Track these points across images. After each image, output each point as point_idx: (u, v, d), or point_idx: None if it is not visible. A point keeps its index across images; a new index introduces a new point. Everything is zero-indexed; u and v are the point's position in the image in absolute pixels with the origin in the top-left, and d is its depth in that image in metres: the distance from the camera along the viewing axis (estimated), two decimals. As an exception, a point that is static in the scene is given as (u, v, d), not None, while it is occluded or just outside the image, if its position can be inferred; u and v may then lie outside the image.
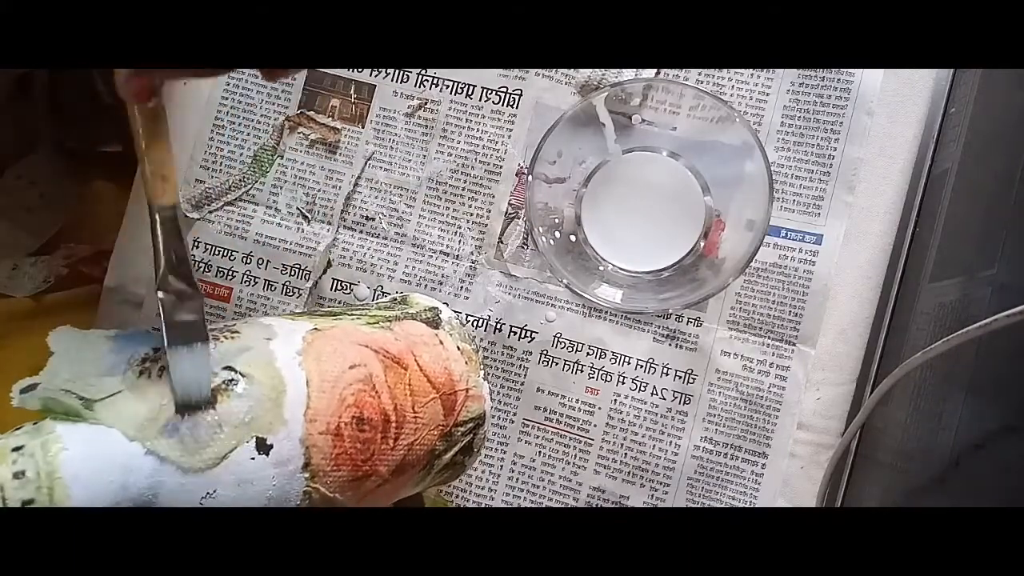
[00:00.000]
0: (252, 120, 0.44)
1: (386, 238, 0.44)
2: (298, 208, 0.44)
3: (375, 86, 0.44)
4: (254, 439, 0.27)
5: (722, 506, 0.41)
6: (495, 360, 0.43)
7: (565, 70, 0.42)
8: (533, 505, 0.42)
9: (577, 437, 0.42)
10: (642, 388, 0.42)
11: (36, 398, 0.25)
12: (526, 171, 0.40)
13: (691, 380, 0.41)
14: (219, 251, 0.44)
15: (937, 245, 0.38)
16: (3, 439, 0.25)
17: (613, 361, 0.42)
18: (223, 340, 0.30)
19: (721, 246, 0.40)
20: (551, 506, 0.42)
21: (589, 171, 0.41)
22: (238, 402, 0.28)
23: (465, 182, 0.43)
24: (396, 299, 0.39)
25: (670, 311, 0.41)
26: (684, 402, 0.41)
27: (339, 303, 0.44)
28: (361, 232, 0.44)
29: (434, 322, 0.36)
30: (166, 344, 0.27)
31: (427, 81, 0.44)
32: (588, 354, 0.42)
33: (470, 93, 0.43)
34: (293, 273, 0.44)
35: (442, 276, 0.43)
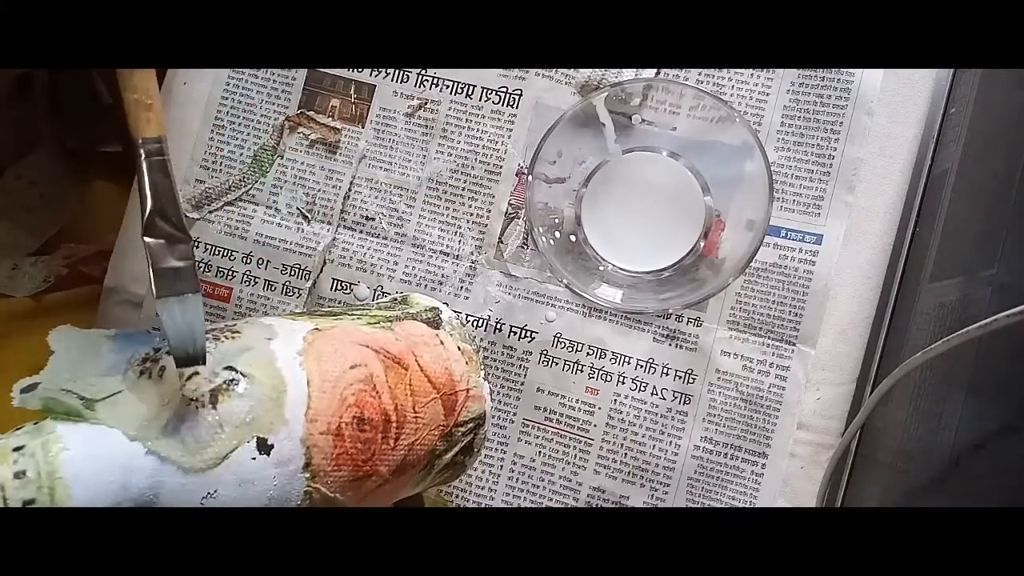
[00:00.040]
0: (252, 120, 0.44)
1: (386, 238, 0.44)
2: (298, 208, 0.44)
3: (375, 86, 0.44)
4: (255, 439, 0.27)
5: (722, 506, 0.41)
6: (495, 360, 0.43)
7: (565, 70, 0.42)
8: (533, 505, 0.42)
9: (577, 437, 0.42)
10: (642, 388, 0.42)
11: (36, 398, 0.25)
12: (526, 171, 0.40)
13: (691, 380, 0.41)
14: (219, 251, 0.44)
15: (937, 245, 0.38)
16: (4, 439, 0.25)
17: (613, 361, 0.42)
18: (223, 340, 0.30)
19: (721, 246, 0.40)
20: (551, 506, 0.42)
21: (589, 171, 0.41)
22: (239, 402, 0.28)
23: (465, 182, 0.43)
24: (396, 299, 0.39)
25: (670, 311, 0.41)
26: (684, 402, 0.41)
27: (339, 303, 0.44)
28: (361, 232, 0.44)
29: (435, 322, 0.36)
30: (155, 294, 0.26)
31: (427, 81, 0.44)
32: (588, 354, 0.42)
33: (470, 93, 0.43)
34: (293, 273, 0.44)
35: (442, 276, 0.43)
